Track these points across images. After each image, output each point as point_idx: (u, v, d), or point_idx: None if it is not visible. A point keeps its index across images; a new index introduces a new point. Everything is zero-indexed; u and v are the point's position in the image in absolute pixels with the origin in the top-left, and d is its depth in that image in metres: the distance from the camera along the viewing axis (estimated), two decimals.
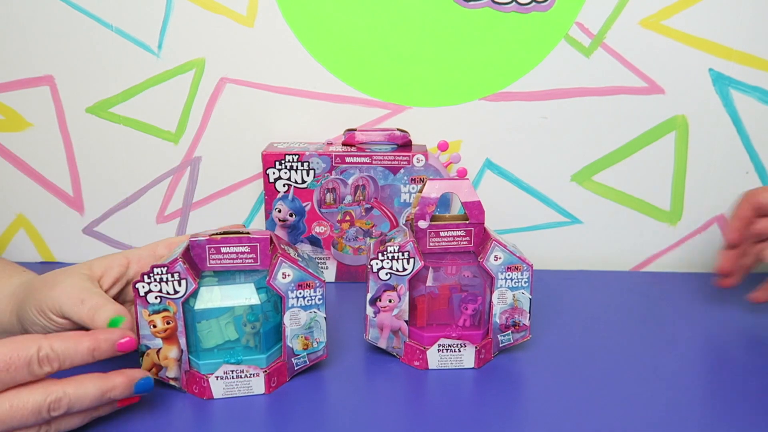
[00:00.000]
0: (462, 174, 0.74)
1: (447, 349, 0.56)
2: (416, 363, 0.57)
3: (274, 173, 0.70)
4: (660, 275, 0.79)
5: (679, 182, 0.78)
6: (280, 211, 0.71)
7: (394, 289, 0.55)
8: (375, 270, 0.55)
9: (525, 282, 0.56)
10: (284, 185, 0.70)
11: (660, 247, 0.81)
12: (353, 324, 0.63)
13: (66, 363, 0.42)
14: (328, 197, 0.71)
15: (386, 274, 0.55)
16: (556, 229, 0.80)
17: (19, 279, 0.55)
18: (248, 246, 0.51)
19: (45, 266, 0.78)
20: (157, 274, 0.48)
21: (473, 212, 0.57)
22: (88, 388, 0.43)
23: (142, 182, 0.77)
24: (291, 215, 0.71)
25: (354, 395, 0.53)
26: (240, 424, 0.48)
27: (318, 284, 0.52)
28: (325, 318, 0.53)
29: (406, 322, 0.56)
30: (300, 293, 0.52)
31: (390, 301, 0.56)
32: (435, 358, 0.56)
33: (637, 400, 0.52)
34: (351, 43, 0.73)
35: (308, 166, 0.69)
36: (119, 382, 0.44)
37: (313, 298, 0.52)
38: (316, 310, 0.53)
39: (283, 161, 0.69)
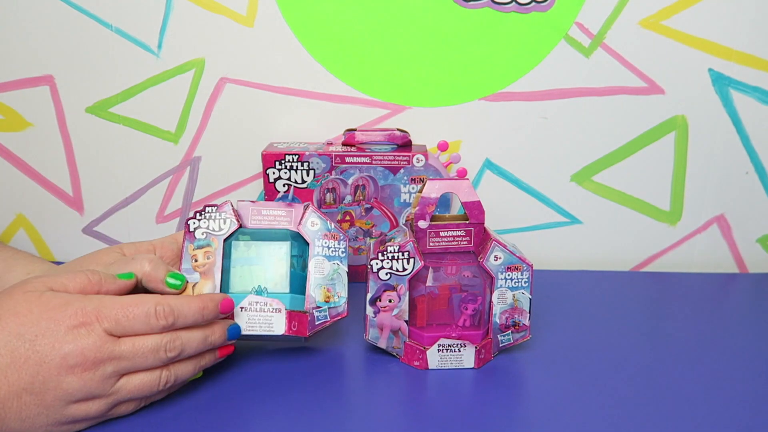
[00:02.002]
0: (462, 174, 0.74)
1: (447, 349, 0.56)
2: (416, 363, 0.57)
3: (274, 173, 0.70)
4: (660, 275, 0.79)
5: (679, 182, 0.78)
6: None
7: (394, 289, 0.55)
8: (375, 270, 0.55)
9: (525, 282, 0.56)
10: (284, 185, 0.70)
11: (660, 247, 0.81)
12: (353, 324, 0.63)
13: (179, 319, 0.48)
14: (328, 197, 0.71)
15: (386, 274, 0.55)
16: (556, 229, 0.80)
17: (42, 266, 0.58)
18: (285, 210, 0.57)
19: None
20: (208, 212, 0.55)
21: (473, 212, 0.57)
22: (194, 333, 0.49)
23: (141, 182, 0.77)
24: None
25: (354, 395, 0.53)
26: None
27: (342, 237, 0.57)
28: (347, 272, 0.57)
29: (406, 322, 0.56)
30: (325, 243, 0.56)
31: (390, 301, 0.56)
32: (435, 358, 0.56)
33: (637, 399, 0.52)
34: (351, 43, 0.73)
35: (308, 166, 0.69)
36: (216, 327, 0.51)
37: (337, 249, 0.57)
38: (338, 263, 0.56)
39: (283, 161, 0.69)
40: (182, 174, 0.77)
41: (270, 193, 0.70)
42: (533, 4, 0.72)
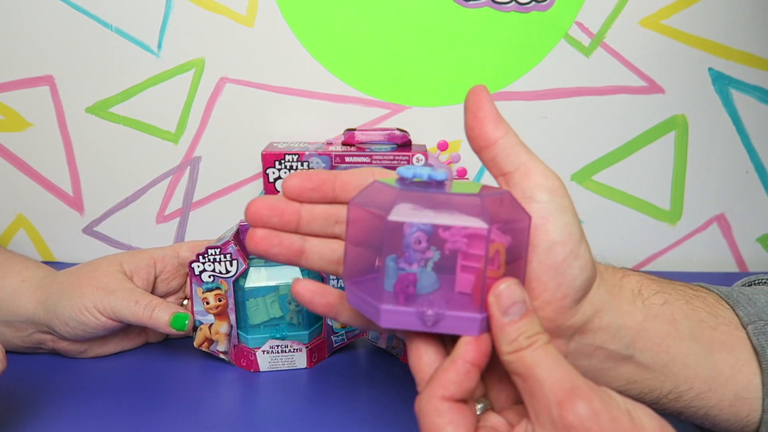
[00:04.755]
0: (462, 174, 0.74)
1: None
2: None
3: (273, 173, 0.70)
4: (660, 275, 0.79)
5: (679, 182, 0.78)
6: None
7: None
8: None
9: None
10: None
11: (660, 247, 0.81)
12: None
13: None
14: None
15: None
16: None
17: (37, 272, 0.57)
18: None
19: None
20: (211, 255, 0.53)
21: None
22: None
23: (142, 182, 0.77)
24: None
25: (353, 395, 0.53)
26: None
27: None
28: None
29: None
30: None
31: None
32: None
33: None
34: (351, 42, 0.73)
35: (308, 165, 0.69)
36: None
37: None
38: None
39: (282, 161, 0.69)
40: (182, 174, 0.77)
41: (270, 193, 0.70)
42: (533, 3, 0.72)
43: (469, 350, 0.32)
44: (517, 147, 0.36)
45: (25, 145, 0.76)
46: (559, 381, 0.30)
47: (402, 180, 0.35)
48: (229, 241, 0.53)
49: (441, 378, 0.32)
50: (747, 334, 0.39)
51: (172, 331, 0.53)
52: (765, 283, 0.44)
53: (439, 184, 0.34)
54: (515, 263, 0.34)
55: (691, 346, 0.38)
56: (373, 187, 0.35)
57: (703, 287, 0.43)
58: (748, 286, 0.45)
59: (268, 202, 0.37)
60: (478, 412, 0.34)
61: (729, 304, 0.40)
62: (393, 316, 0.33)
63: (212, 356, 0.57)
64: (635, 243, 0.81)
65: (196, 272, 0.53)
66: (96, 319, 0.52)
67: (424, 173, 0.34)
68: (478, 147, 0.37)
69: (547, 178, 0.36)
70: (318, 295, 0.38)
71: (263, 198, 0.37)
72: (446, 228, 0.33)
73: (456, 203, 0.33)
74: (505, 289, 0.32)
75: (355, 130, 0.72)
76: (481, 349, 0.32)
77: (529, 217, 0.34)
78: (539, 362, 0.31)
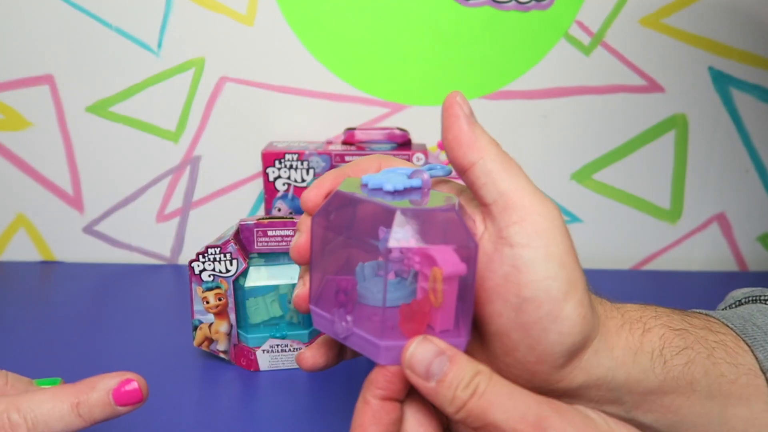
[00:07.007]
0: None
1: None
2: None
3: (273, 172, 0.70)
4: (660, 274, 0.79)
5: (679, 181, 0.78)
6: (279, 210, 0.71)
7: None
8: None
9: None
10: (284, 184, 0.70)
11: (660, 246, 0.81)
12: None
13: (39, 428, 0.31)
14: None
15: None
16: None
17: None
18: (292, 230, 0.55)
19: (45, 265, 0.78)
20: (211, 254, 0.53)
21: None
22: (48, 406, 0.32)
23: (142, 181, 0.77)
24: (291, 214, 0.71)
25: (353, 394, 0.53)
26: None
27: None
28: None
29: None
30: None
31: None
32: None
33: None
34: (351, 41, 0.73)
35: (308, 164, 0.69)
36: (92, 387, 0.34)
37: None
38: None
39: (282, 160, 0.69)
40: (182, 173, 0.77)
41: (270, 192, 0.70)
42: (533, 2, 0.72)
43: (378, 379, 0.30)
44: (493, 174, 0.30)
45: (25, 145, 0.76)
46: (520, 417, 0.26)
47: (365, 187, 0.33)
48: (229, 241, 0.53)
49: (371, 378, 0.31)
50: (766, 379, 0.33)
51: None
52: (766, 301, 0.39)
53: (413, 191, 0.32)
54: (464, 301, 0.29)
55: (704, 405, 0.33)
56: (337, 198, 0.32)
57: (722, 323, 0.36)
58: (752, 301, 0.40)
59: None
60: None
61: (746, 343, 0.35)
62: (318, 318, 0.33)
63: (212, 355, 0.57)
64: (635, 242, 0.81)
65: (196, 271, 0.53)
66: None
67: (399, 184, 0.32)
68: (458, 171, 0.32)
69: (530, 215, 0.29)
70: (325, 352, 0.36)
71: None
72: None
73: (424, 217, 0.30)
74: (413, 353, 0.28)
75: (355, 129, 0.72)
76: (392, 381, 0.30)
77: (476, 245, 0.28)
78: (490, 405, 0.26)
